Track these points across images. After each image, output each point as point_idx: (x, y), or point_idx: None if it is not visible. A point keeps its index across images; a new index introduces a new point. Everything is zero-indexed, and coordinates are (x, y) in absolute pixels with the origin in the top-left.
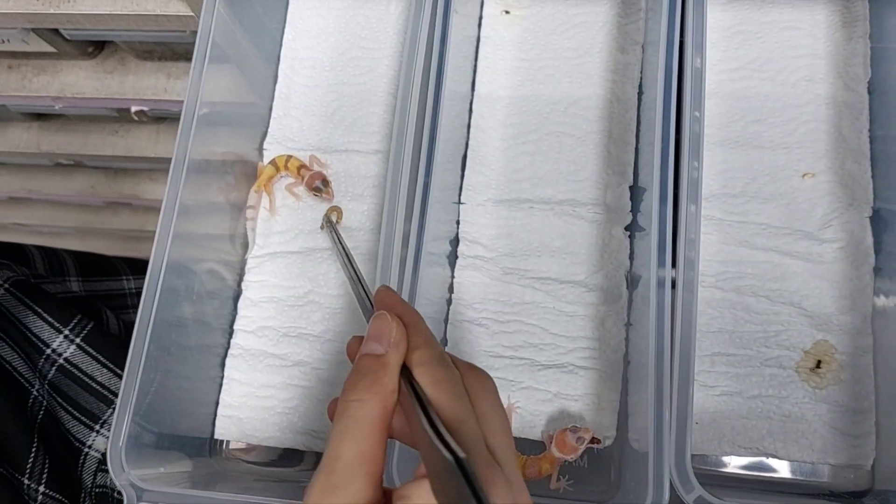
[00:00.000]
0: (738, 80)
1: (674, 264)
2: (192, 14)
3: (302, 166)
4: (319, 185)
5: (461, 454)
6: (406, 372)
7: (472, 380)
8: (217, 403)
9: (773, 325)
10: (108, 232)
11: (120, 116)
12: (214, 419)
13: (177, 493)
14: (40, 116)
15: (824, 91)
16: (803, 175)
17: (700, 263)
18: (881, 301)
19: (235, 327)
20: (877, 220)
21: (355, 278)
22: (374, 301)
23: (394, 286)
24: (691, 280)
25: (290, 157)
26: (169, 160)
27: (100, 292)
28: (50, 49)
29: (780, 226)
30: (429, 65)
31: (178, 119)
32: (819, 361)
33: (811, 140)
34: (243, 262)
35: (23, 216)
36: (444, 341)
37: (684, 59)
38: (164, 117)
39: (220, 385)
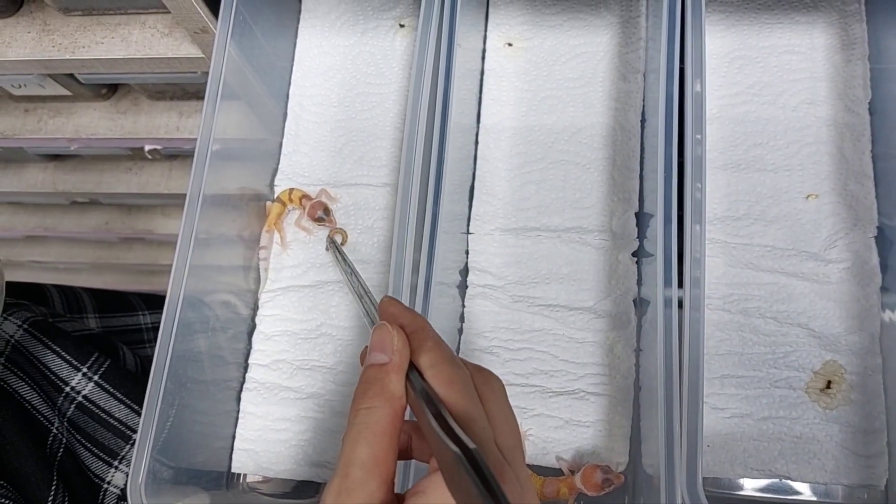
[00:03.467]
0: (739, 104)
1: (680, 284)
2: (202, 56)
3: (304, 196)
4: (321, 215)
5: (472, 445)
6: (416, 374)
7: (481, 381)
8: (234, 437)
9: (781, 347)
10: (122, 267)
11: (134, 155)
12: (231, 452)
13: None
14: (56, 157)
15: (825, 113)
16: (807, 197)
17: (707, 286)
18: (889, 320)
19: (250, 361)
20: (881, 239)
21: (362, 292)
22: (378, 311)
23: None
24: (698, 299)
25: (292, 189)
26: (181, 196)
27: (116, 328)
28: (65, 92)
29: (786, 247)
30: (434, 98)
31: (190, 156)
32: (829, 382)
33: (813, 162)
34: (257, 297)
35: (39, 253)
36: None
37: (685, 85)
38: (176, 155)
39: (236, 418)
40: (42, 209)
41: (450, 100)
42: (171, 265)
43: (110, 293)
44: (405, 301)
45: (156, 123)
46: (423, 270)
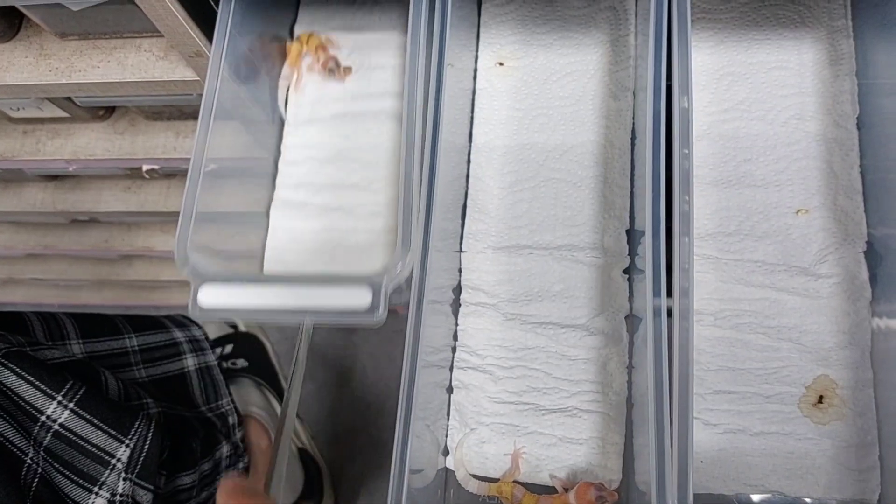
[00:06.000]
0: (729, 120)
1: (670, 295)
2: (197, 79)
3: (320, 46)
4: (332, 67)
5: None
6: None
7: None
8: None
9: (773, 362)
10: (124, 283)
11: (132, 174)
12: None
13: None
14: (55, 177)
15: (814, 129)
16: (797, 212)
17: (699, 302)
18: (879, 335)
19: (277, 182)
20: (871, 253)
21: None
22: None
23: None
24: (686, 309)
25: (311, 34)
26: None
27: (100, 353)
28: (63, 114)
29: (776, 263)
30: (425, 118)
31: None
32: (821, 397)
33: (803, 177)
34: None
35: (40, 271)
36: (450, 388)
37: (672, 102)
38: (174, 173)
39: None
40: (42, 228)
41: (440, 120)
42: (172, 281)
43: (95, 317)
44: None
45: (153, 143)
46: (415, 288)
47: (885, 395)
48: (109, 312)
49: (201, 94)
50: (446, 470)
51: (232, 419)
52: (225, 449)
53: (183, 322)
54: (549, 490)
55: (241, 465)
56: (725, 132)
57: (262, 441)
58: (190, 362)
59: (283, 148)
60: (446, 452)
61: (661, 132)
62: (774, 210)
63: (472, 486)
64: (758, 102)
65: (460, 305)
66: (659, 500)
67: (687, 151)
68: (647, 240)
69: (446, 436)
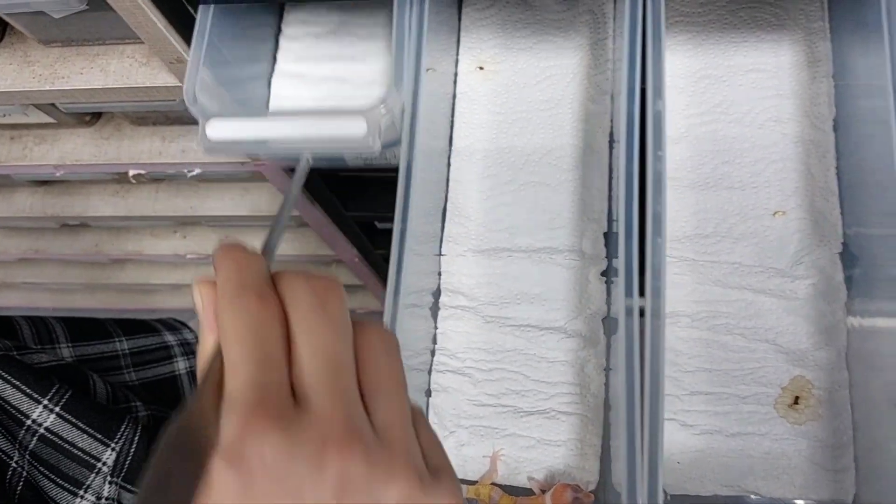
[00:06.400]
0: (707, 123)
1: (642, 294)
2: (179, 84)
3: None
4: None
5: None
6: None
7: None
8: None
9: (749, 363)
10: (116, 287)
11: (120, 178)
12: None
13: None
14: (44, 182)
15: (791, 131)
16: (773, 213)
17: (675, 303)
18: (854, 335)
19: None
20: (846, 255)
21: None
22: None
23: None
24: (658, 308)
25: None
26: (168, 217)
27: (90, 356)
28: (49, 120)
29: (753, 264)
30: (402, 123)
31: (175, 179)
32: (797, 397)
33: (780, 179)
34: None
35: (33, 275)
36: (429, 391)
37: (647, 105)
38: (162, 178)
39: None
40: (34, 233)
41: (416, 125)
42: (163, 284)
43: (85, 321)
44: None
45: (139, 149)
46: (390, 292)
47: (860, 396)
48: (103, 316)
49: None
50: None
51: None
52: None
53: (174, 326)
54: (527, 492)
55: None
56: (703, 135)
57: None
58: (181, 365)
59: (283, 25)
60: None
61: (635, 135)
62: (752, 212)
63: None
64: (735, 105)
65: (439, 309)
66: (629, 500)
67: (661, 154)
68: (620, 241)
69: None
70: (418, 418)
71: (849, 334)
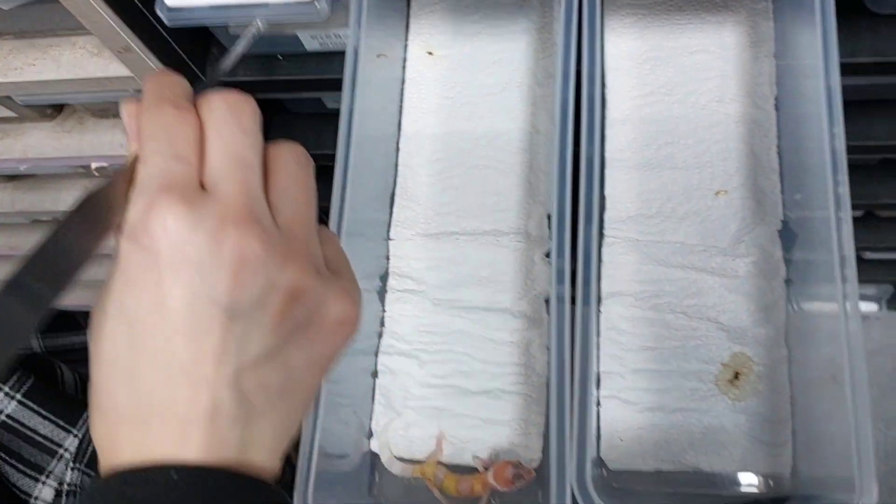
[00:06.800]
0: (651, 104)
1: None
2: (131, 75)
3: None
4: None
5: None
6: None
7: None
8: None
9: (691, 340)
10: (90, 283)
11: (88, 172)
12: None
13: None
14: (14, 177)
15: (734, 111)
16: (716, 193)
17: (618, 283)
18: (793, 312)
19: None
20: (786, 232)
21: None
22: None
23: None
24: (589, 295)
25: None
26: None
27: (59, 347)
28: (10, 114)
29: (695, 243)
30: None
31: None
32: (737, 373)
33: (723, 159)
34: None
35: (3, 272)
36: (376, 373)
37: (581, 88)
38: None
39: None
40: (6, 229)
41: (354, 111)
42: None
43: (55, 313)
44: None
45: (101, 141)
46: None
47: (798, 372)
48: (81, 310)
49: (138, 91)
50: (372, 453)
51: None
52: None
53: None
54: (472, 471)
55: None
56: (647, 116)
57: None
58: None
59: None
60: (371, 436)
61: (569, 119)
62: (695, 192)
63: (397, 469)
64: (680, 86)
65: (387, 292)
66: (558, 475)
67: (594, 139)
68: (554, 225)
69: (370, 419)
70: (328, 236)
71: (788, 311)
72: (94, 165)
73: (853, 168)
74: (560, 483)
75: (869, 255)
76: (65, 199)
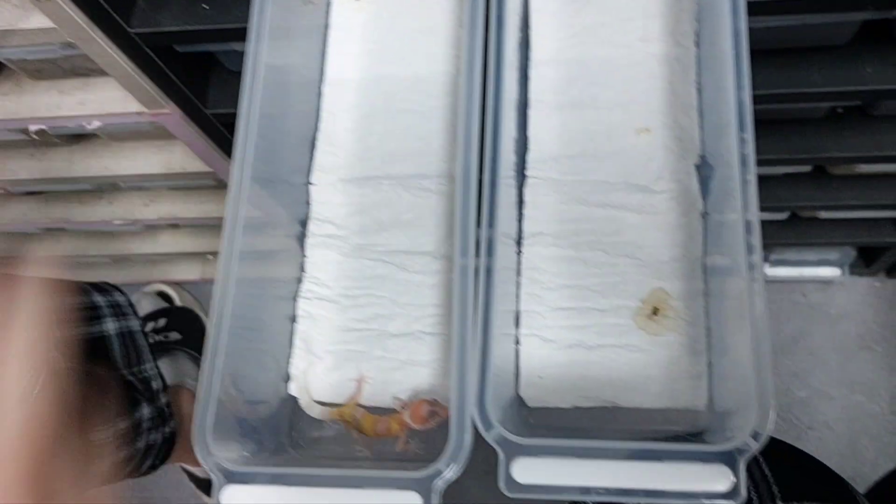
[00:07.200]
0: (576, 45)
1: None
2: (54, 27)
3: None
4: None
5: None
6: None
7: None
8: None
9: (610, 277)
10: (53, 261)
11: (37, 142)
12: None
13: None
14: None
15: (657, 49)
16: (638, 131)
17: (538, 223)
18: (709, 244)
19: None
20: (704, 166)
21: None
22: None
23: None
24: (491, 240)
25: None
26: (90, 178)
27: None
28: None
29: (616, 181)
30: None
31: (92, 139)
32: (656, 309)
33: (646, 98)
34: None
35: None
36: (295, 318)
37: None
38: (79, 135)
39: None
40: None
41: (261, 57)
42: (102, 255)
43: None
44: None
45: (37, 103)
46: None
47: (714, 304)
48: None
49: (68, 44)
50: (291, 397)
51: (156, 384)
52: (146, 411)
53: (104, 288)
54: (392, 413)
55: (166, 429)
56: (572, 57)
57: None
58: (110, 326)
59: None
60: (290, 380)
61: (477, 64)
62: (618, 131)
63: (316, 412)
64: (605, 26)
65: (307, 237)
66: (459, 410)
67: (501, 83)
68: (459, 168)
69: (288, 364)
70: None
71: (704, 243)
72: (32, 128)
73: (797, 122)
74: (460, 414)
75: (824, 214)
76: (11, 168)
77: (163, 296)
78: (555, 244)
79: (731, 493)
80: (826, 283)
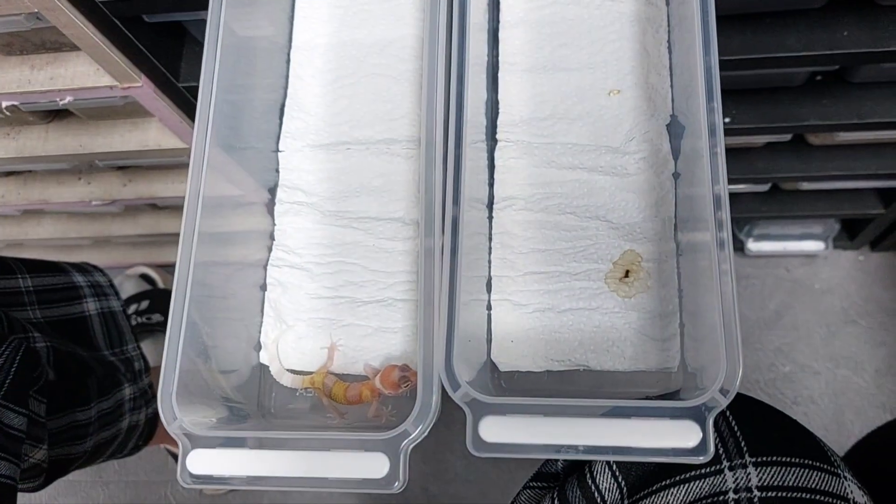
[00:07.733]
0: (545, 7)
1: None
2: None
3: None
4: None
5: None
6: None
7: None
8: None
9: (581, 241)
10: (31, 242)
11: (12, 118)
12: None
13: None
14: None
15: (627, 9)
16: (609, 93)
17: (509, 187)
18: (681, 205)
19: None
20: (674, 125)
21: None
22: None
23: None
24: (458, 202)
25: None
26: (65, 157)
27: None
28: None
29: (587, 143)
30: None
31: (67, 117)
32: (627, 271)
33: (617, 58)
34: None
35: None
36: (265, 286)
37: None
38: (55, 111)
39: None
40: None
41: (222, 21)
42: (83, 238)
43: None
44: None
45: (8, 79)
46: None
47: (685, 265)
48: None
49: (34, 14)
50: (261, 366)
51: (138, 364)
52: (128, 391)
53: (85, 268)
54: (364, 379)
55: (149, 410)
56: (542, 18)
57: None
58: (91, 306)
59: None
60: (260, 349)
61: (442, 26)
62: (588, 92)
63: (287, 380)
64: None
65: (276, 205)
66: (426, 370)
67: (465, 52)
68: (422, 135)
69: (259, 333)
70: None
71: (676, 204)
72: (4, 104)
73: (776, 90)
74: (427, 375)
75: (806, 185)
76: None
77: (146, 278)
78: (526, 208)
79: (699, 448)
80: (810, 257)
